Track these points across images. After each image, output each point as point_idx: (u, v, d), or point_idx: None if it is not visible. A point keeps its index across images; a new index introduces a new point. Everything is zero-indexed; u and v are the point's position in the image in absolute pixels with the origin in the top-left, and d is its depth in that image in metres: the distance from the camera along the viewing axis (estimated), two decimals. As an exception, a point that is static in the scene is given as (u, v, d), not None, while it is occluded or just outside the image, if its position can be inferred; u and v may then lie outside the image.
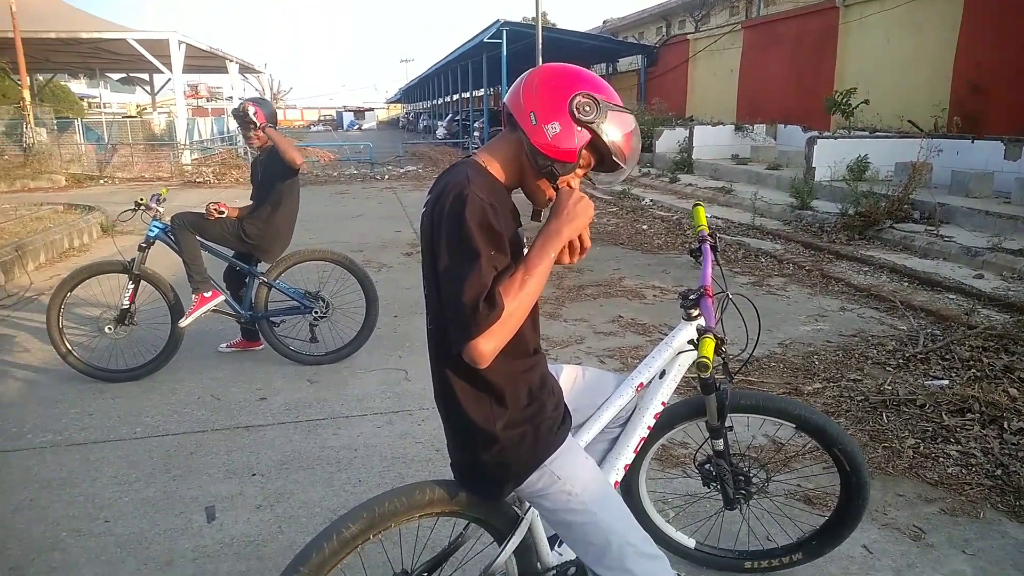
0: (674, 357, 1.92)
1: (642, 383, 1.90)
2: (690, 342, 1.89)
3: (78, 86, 44.40)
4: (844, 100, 12.87)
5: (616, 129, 1.48)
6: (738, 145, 15.36)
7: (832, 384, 3.98)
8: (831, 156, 10.61)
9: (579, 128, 1.45)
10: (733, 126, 15.89)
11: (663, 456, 3.16)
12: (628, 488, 2.28)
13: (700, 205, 2.27)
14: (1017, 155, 9.58)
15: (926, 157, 9.34)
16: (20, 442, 3.56)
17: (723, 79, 19.98)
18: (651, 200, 12.00)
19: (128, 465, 3.28)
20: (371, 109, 77.77)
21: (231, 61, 25.48)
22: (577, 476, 1.59)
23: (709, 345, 1.54)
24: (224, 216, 4.37)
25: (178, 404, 3.97)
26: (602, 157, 1.51)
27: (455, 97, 39.87)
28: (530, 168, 1.51)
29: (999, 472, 3.01)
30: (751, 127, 15.63)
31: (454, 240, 1.39)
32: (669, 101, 20.71)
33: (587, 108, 1.44)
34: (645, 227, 9.58)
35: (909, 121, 12.40)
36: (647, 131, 16.58)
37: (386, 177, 17.73)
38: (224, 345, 4.80)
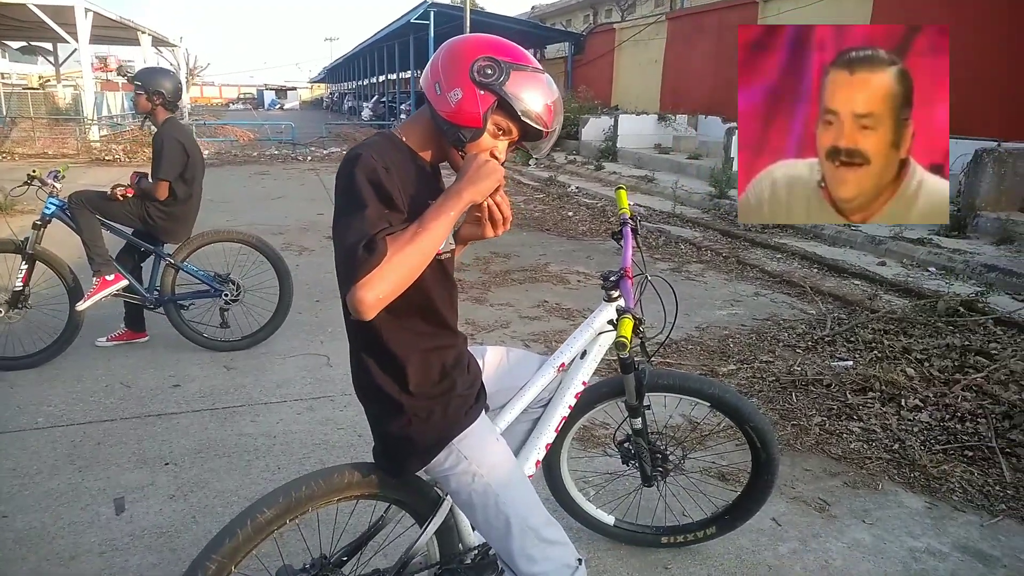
0: (595, 337, 1.95)
1: (564, 363, 1.92)
2: (610, 322, 1.93)
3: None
4: (762, 93, 13.28)
5: (526, 89, 1.44)
6: (661, 135, 15.70)
7: (746, 366, 4.14)
8: (749, 147, 10.95)
9: (481, 92, 1.42)
10: (656, 116, 16.23)
11: (584, 436, 3.22)
12: (550, 467, 2.32)
13: (622, 189, 2.31)
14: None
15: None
16: (-94, 434, 3.32)
17: (647, 69, 20.33)
18: (576, 187, 12.14)
19: (29, 457, 3.10)
20: (294, 88, 75.60)
21: (143, 33, 24.23)
22: (484, 458, 1.59)
23: (628, 325, 1.58)
24: (128, 197, 4.14)
25: (84, 392, 3.77)
26: (521, 126, 1.47)
27: (381, 79, 39.14)
28: (444, 138, 1.49)
29: (896, 447, 3.20)
30: (674, 117, 15.99)
31: (343, 196, 1.38)
32: (595, 89, 20.95)
33: (488, 71, 1.41)
34: (570, 214, 9.68)
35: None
36: (573, 119, 16.74)
37: (309, 159, 17.28)
38: (103, 339, 4.44)
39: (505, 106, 1.43)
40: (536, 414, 1.96)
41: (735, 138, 11.07)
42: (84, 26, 18.48)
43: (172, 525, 2.64)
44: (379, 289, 1.29)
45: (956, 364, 3.94)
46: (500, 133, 1.49)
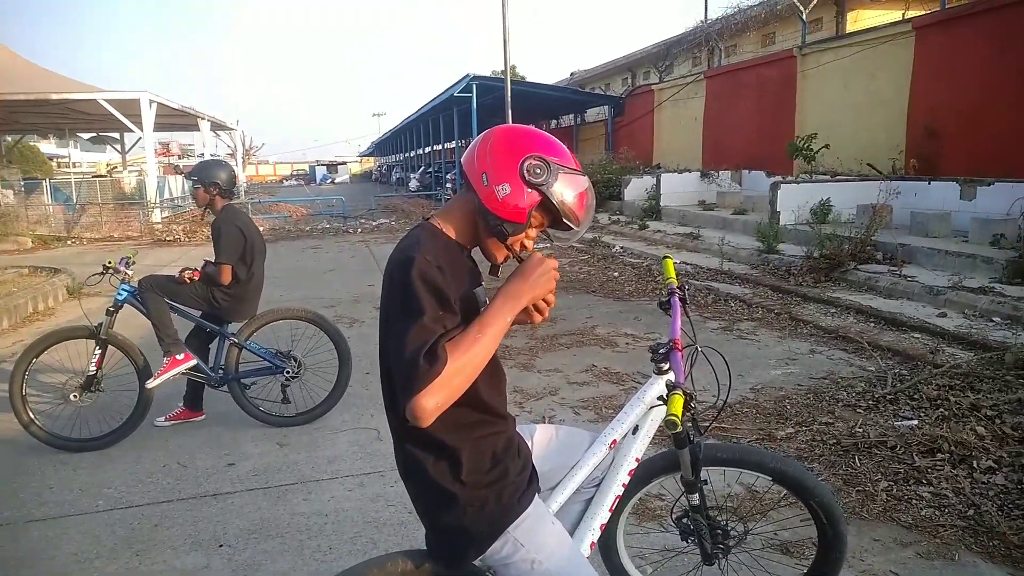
0: (646, 412, 1.92)
1: (615, 440, 1.89)
2: (660, 398, 1.89)
3: (47, 146, 44.12)
4: (805, 145, 13.24)
5: (568, 190, 1.50)
6: (704, 191, 15.68)
7: (804, 428, 3.99)
8: (795, 200, 10.86)
9: (529, 190, 1.47)
10: (699, 173, 16.25)
11: (640, 509, 3.13)
12: (606, 546, 2.25)
13: (669, 257, 2.30)
14: (972, 195, 9.90)
15: (886, 199, 9.61)
16: (-25, 519, 3.43)
17: (688, 127, 20.49)
18: (621, 247, 12.15)
19: (89, 541, 3.16)
20: (344, 163, 78.30)
21: (203, 119, 25.57)
22: (542, 543, 1.56)
23: (678, 402, 1.55)
24: (195, 280, 4.33)
25: (143, 473, 3.85)
26: (554, 217, 1.53)
27: (427, 149, 40.31)
28: (483, 227, 1.53)
29: (971, 512, 3.02)
30: (716, 173, 15.98)
31: (399, 301, 1.40)
32: (636, 150, 21.15)
33: (537, 171, 1.47)
34: (616, 274, 9.67)
35: (868, 164, 12.78)
36: (615, 180, 16.88)
37: (359, 231, 17.75)
38: (162, 419, 4.52)
39: (547, 203, 1.49)
40: (589, 494, 1.92)
41: (780, 192, 10.99)
42: (149, 116, 19.61)
43: None
44: (439, 398, 1.33)
45: (1031, 421, 3.73)
46: (535, 224, 1.54)
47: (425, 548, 1.66)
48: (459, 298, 1.45)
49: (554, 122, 32.55)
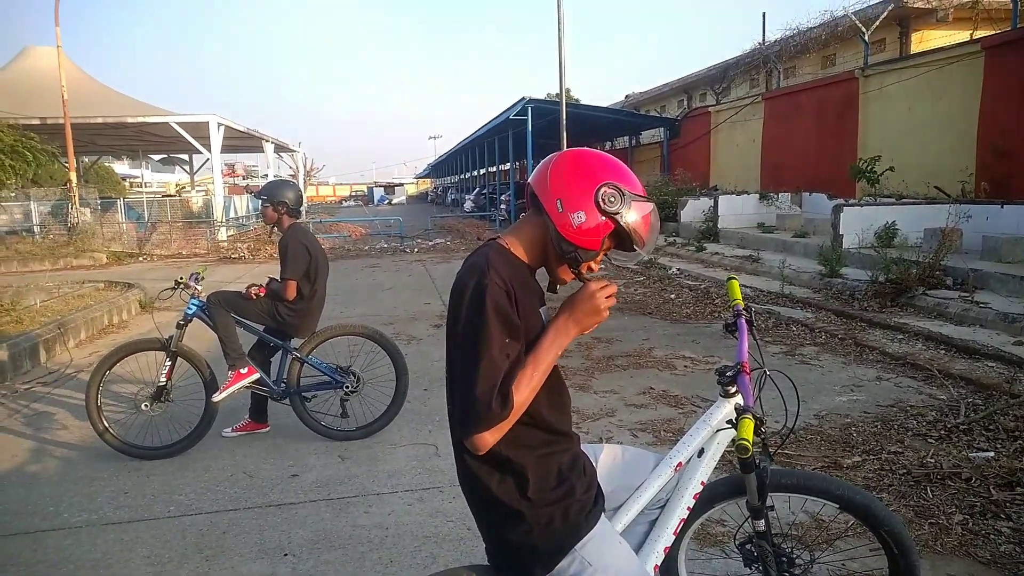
0: (712, 435, 1.91)
1: (681, 462, 1.88)
2: (728, 421, 1.88)
3: (121, 167, 46.29)
4: (869, 167, 12.92)
5: (637, 216, 1.54)
6: (763, 213, 15.42)
7: (872, 457, 3.87)
8: (858, 223, 10.60)
9: (603, 217, 1.51)
10: (758, 195, 15.99)
11: (702, 534, 3.08)
12: (668, 570, 2.23)
13: (734, 279, 2.29)
14: (1049, 219, 9.48)
15: (955, 223, 9.29)
16: (56, 521, 3.59)
17: (745, 149, 20.23)
18: (678, 269, 12.02)
19: (162, 545, 3.28)
20: (401, 184, 79.87)
21: (267, 141, 26.51)
22: (610, 563, 1.56)
23: (748, 426, 1.54)
24: (261, 296, 4.49)
25: (211, 481, 3.98)
26: (621, 241, 1.57)
27: (482, 171, 40.79)
28: (553, 251, 1.57)
29: (1055, 551, 2.88)
30: (775, 195, 15.70)
31: (470, 326, 1.43)
32: (692, 171, 20.97)
33: (612, 199, 1.50)
34: (673, 296, 9.57)
35: (936, 187, 12.38)
36: (671, 201, 16.75)
37: (415, 250, 18.03)
38: (229, 430, 4.69)
39: (618, 229, 1.53)
40: (653, 515, 1.91)
41: (843, 214, 10.74)
42: (216, 138, 20.46)
43: None
44: (501, 433, 1.44)
45: (1119, 456, 3.54)
46: (604, 249, 1.58)
47: (487, 564, 1.67)
48: (523, 318, 1.49)
49: (608, 144, 32.54)
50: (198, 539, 3.32)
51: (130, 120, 20.44)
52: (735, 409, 1.81)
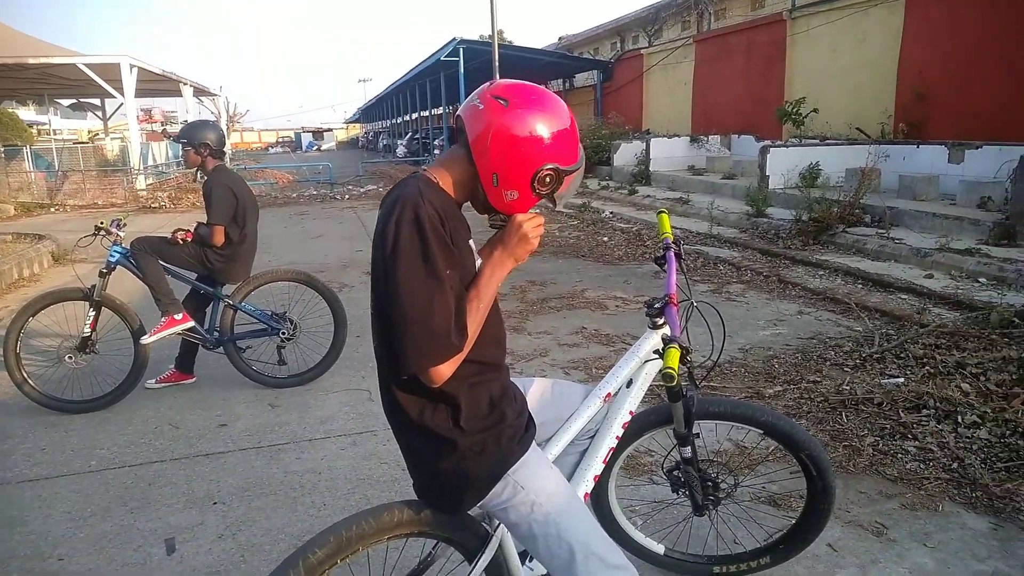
0: (640, 366, 1.93)
1: (609, 393, 1.90)
2: (656, 352, 1.90)
3: (27, 113, 43.25)
4: (794, 110, 13.19)
5: (567, 185, 1.54)
6: (694, 156, 15.62)
7: (792, 386, 4.04)
8: (784, 164, 10.85)
9: (535, 196, 1.51)
10: (688, 138, 16.17)
11: (630, 464, 3.17)
12: (598, 498, 2.28)
13: (664, 212, 2.30)
14: (960, 158, 9.92)
15: (874, 163, 9.62)
16: (-33, 481, 3.43)
17: (677, 92, 20.33)
18: (611, 212, 12.13)
19: (83, 500, 3.17)
20: (330, 130, 77.39)
21: (185, 84, 25.11)
22: (541, 487, 1.58)
23: (675, 355, 1.55)
24: (188, 241, 4.29)
25: (135, 434, 3.86)
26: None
27: (414, 116, 39.83)
28: (479, 205, 1.57)
29: (955, 465, 3.08)
30: (706, 138, 15.91)
31: (415, 259, 1.38)
32: (625, 114, 20.99)
33: (547, 180, 1.49)
34: (606, 239, 9.67)
35: (857, 128, 12.76)
36: (605, 145, 16.78)
37: (346, 197, 17.62)
38: (152, 381, 4.51)
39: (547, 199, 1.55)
40: (583, 445, 1.94)
41: (769, 156, 10.98)
42: (130, 81, 19.23)
43: (222, 564, 2.66)
44: (456, 365, 1.44)
45: (1015, 378, 3.78)
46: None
47: (418, 500, 1.66)
48: (458, 249, 1.46)
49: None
50: (122, 492, 3.23)
51: (32, 61, 18.96)
52: (662, 339, 1.82)
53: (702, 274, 7.26)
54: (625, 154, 16.15)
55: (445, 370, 1.40)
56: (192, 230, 4.35)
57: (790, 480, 2.69)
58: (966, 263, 6.60)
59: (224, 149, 4.54)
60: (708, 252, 8.22)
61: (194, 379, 4.61)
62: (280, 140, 77.47)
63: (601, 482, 2.19)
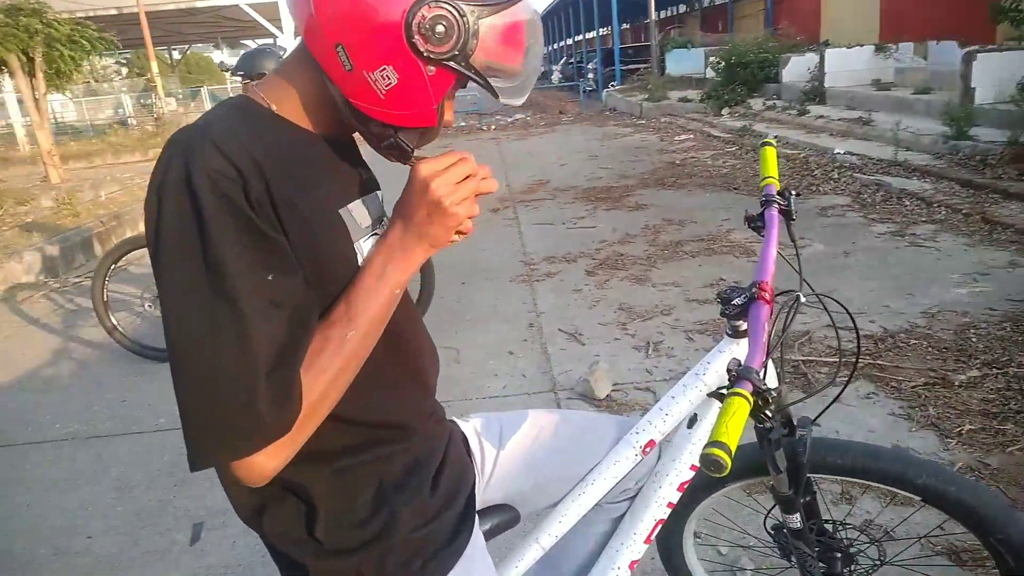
0: (707, 398, 1.18)
1: (653, 440, 1.18)
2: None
3: (221, 55, 46.82)
4: (1014, 5, 10.80)
5: (497, 36, 0.78)
6: (879, 68, 13.45)
7: (996, 371, 2.99)
8: (996, 73, 8.89)
9: (431, 68, 0.77)
10: (873, 47, 13.94)
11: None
12: (669, 558, 1.58)
13: (770, 144, 1.47)
14: None
15: None
16: (48, 432, 3.40)
17: (864, -6, 17.67)
18: (775, 136, 10.68)
19: (136, 465, 3.00)
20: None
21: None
22: None
23: (737, 411, 0.80)
24: None
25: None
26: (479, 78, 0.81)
27: (569, 41, 38.63)
28: (361, 132, 0.85)
29: None
30: (895, 47, 13.64)
31: (186, 264, 0.73)
32: (800, 26, 18.62)
33: (440, 31, 0.74)
34: (765, 169, 8.44)
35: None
36: (772, 59, 14.99)
37: (492, 127, 17.16)
38: None
39: (468, 73, 0.79)
40: (617, 510, 1.24)
41: (976, 63, 9.03)
42: (288, 19, 19.78)
43: (240, 562, 2.34)
44: (295, 447, 0.78)
45: None
46: (448, 106, 0.86)
47: None
48: (304, 234, 0.79)
49: (707, 0, 29.63)
50: (173, 459, 2.99)
51: (200, 5, 20.01)
52: (728, 373, 0.92)
53: (882, 211, 5.99)
54: (795, 69, 14.26)
55: (264, 462, 0.75)
56: None
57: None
58: None
59: None
60: (891, 183, 6.82)
61: None
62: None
63: (673, 542, 1.50)
